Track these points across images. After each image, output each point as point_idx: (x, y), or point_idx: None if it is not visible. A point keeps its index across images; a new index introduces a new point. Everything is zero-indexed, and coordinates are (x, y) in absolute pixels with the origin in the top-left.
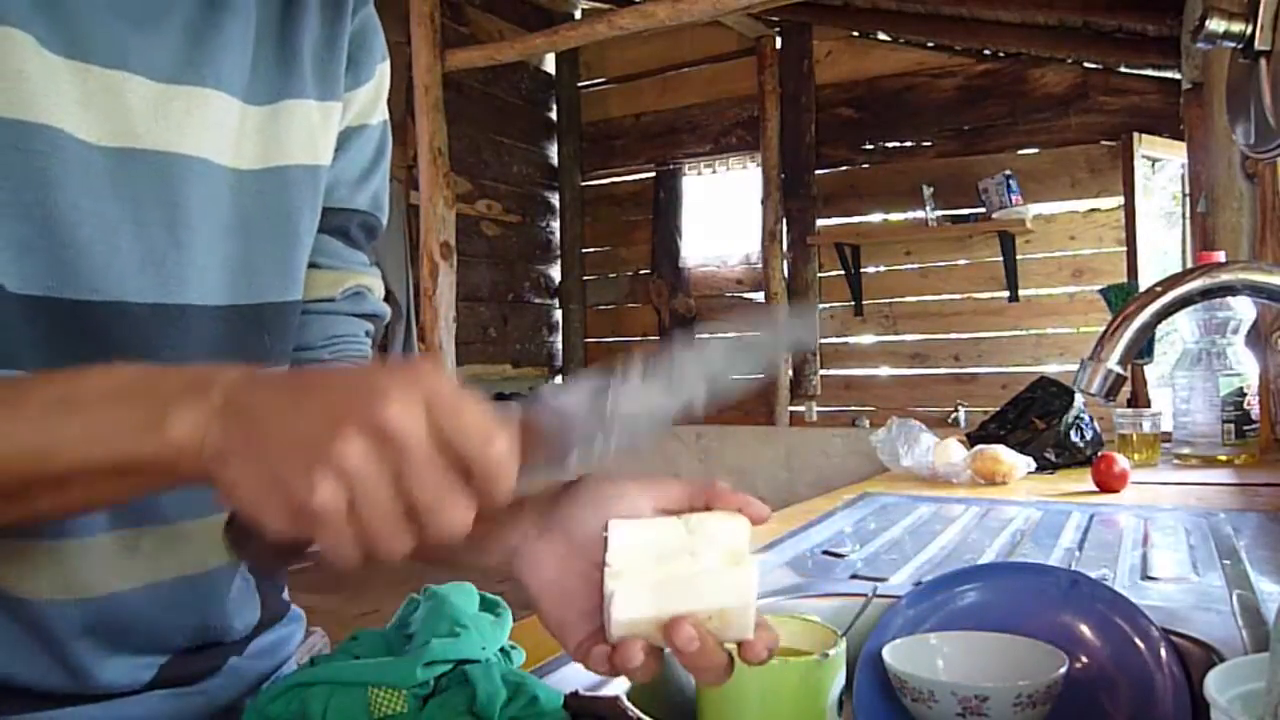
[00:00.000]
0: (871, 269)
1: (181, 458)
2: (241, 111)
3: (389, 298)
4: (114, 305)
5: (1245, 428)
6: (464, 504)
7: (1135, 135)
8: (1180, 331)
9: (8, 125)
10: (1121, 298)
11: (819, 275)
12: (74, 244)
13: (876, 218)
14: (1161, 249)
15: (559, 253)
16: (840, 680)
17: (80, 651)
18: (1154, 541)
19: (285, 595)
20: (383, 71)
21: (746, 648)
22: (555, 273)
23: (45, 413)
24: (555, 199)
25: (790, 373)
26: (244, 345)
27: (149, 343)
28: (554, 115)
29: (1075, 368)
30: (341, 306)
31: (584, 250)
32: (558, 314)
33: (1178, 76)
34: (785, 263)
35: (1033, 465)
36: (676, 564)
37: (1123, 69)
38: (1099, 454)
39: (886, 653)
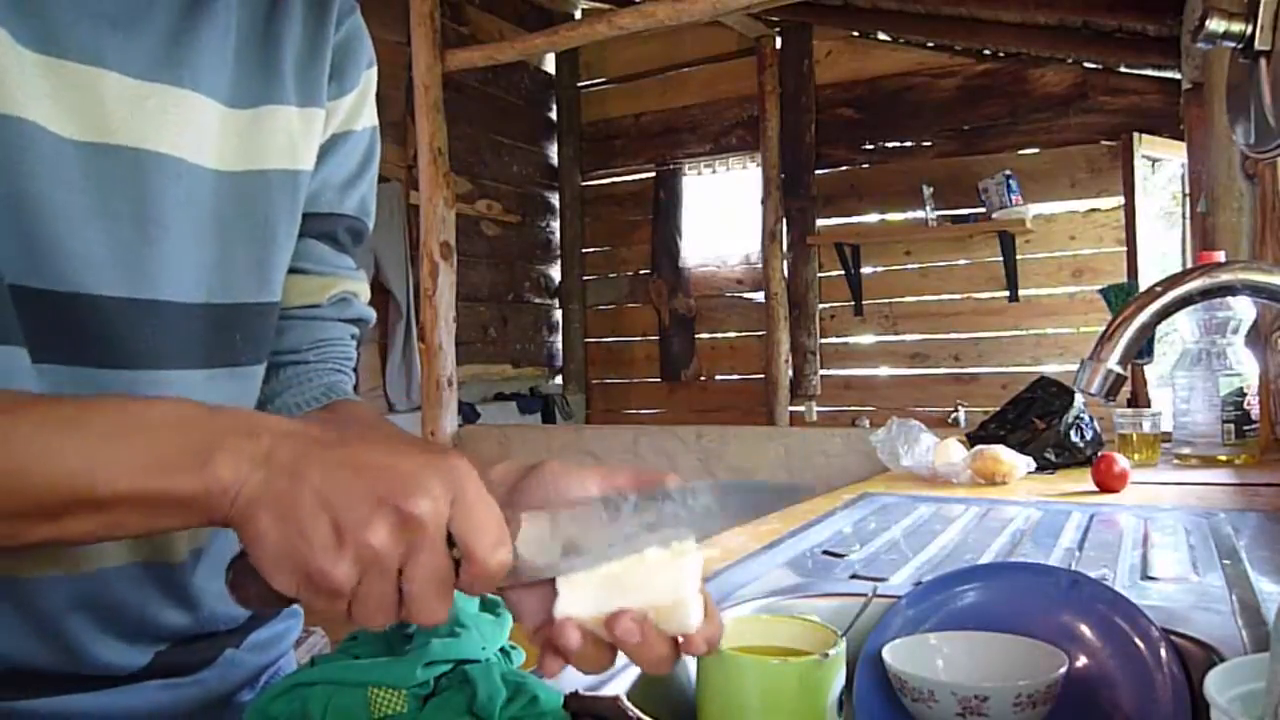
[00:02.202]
0: (871, 269)
1: (217, 498)
2: (222, 114)
3: (390, 298)
4: (84, 297)
5: (1245, 428)
6: (449, 596)
7: (1135, 135)
8: (1180, 331)
9: None
10: (1121, 298)
11: (819, 275)
12: (43, 236)
13: (876, 218)
14: (1161, 249)
15: (559, 253)
16: (840, 680)
17: (74, 629)
18: (1154, 541)
19: None
20: (369, 78)
21: (686, 642)
22: (555, 273)
23: (95, 437)
24: (555, 199)
25: (790, 373)
26: (217, 344)
27: (121, 336)
28: (554, 115)
29: (1075, 368)
30: (328, 312)
31: (584, 250)
32: (558, 314)
33: (1178, 76)
34: (785, 263)
35: (1033, 465)
36: (622, 558)
37: (1123, 69)
38: (1099, 454)
39: (886, 653)
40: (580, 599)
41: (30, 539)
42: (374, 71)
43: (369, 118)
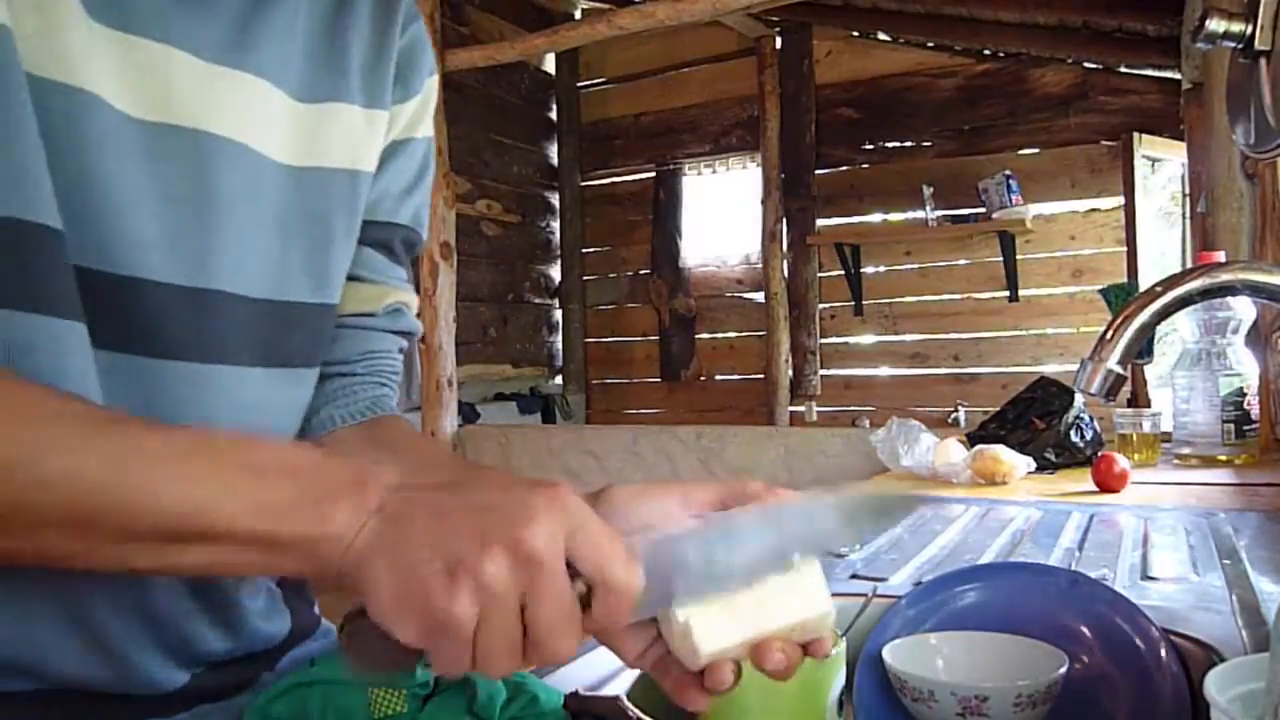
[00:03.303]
0: (871, 269)
1: (332, 544)
2: (287, 105)
3: None
4: (138, 282)
5: (1245, 428)
6: (577, 633)
7: (1135, 135)
8: (1180, 331)
9: (42, 84)
10: (1121, 298)
11: (819, 275)
12: (101, 214)
13: (876, 218)
14: (1161, 249)
15: (559, 253)
16: (840, 680)
17: (114, 632)
18: (1154, 541)
19: (316, 610)
20: (431, 85)
21: (815, 646)
22: (555, 273)
23: (220, 468)
24: (555, 199)
25: (790, 373)
26: (272, 342)
27: (174, 326)
28: (554, 115)
29: (1075, 368)
30: (381, 322)
31: (584, 250)
32: (558, 314)
33: (1178, 76)
34: (785, 263)
35: (1033, 465)
36: (746, 588)
37: (1123, 69)
38: (1099, 454)
39: (886, 653)
40: (718, 631)
41: (137, 565)
42: (435, 80)
43: (428, 127)
